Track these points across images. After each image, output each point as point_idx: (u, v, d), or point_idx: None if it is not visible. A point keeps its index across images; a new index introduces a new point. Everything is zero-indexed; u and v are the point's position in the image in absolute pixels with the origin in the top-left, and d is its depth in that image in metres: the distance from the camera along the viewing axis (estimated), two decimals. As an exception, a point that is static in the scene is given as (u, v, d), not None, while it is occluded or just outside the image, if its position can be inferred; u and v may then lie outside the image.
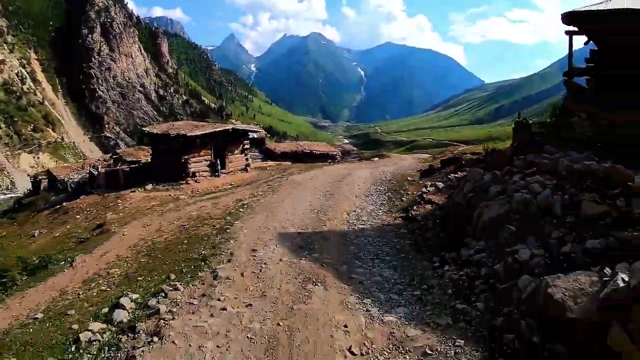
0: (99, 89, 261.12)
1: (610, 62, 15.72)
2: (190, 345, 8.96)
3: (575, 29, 17.07)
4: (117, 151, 75.96)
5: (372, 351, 8.39)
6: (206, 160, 33.34)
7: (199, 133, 31.91)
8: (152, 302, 11.55)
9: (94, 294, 13.67)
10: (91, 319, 11.38)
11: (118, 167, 41.56)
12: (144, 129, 46.27)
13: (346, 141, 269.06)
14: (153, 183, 30.50)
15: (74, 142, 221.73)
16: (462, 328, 8.65)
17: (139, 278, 14.26)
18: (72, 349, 10.02)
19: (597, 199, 9.45)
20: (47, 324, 11.66)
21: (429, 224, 16.14)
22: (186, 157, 31.53)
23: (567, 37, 18.47)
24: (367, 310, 9.82)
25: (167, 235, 19.52)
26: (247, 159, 38.06)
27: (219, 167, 34.81)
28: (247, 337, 9.08)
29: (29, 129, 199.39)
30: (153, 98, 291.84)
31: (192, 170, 31.44)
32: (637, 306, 5.98)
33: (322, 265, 12.84)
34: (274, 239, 16.06)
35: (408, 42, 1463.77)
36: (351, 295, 10.64)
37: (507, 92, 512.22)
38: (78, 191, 37.38)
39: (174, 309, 10.82)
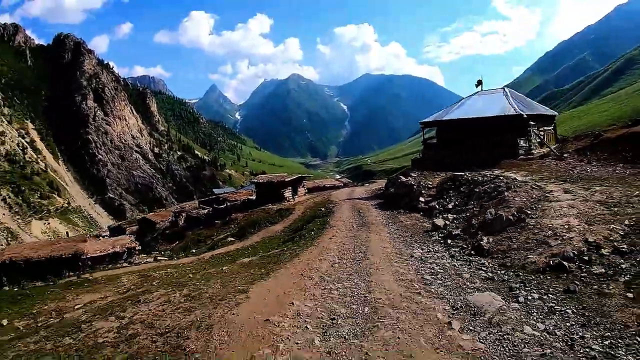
0: (97, 152, 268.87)
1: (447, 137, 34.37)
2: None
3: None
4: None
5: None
6: (288, 191, 46.52)
7: (288, 179, 48.83)
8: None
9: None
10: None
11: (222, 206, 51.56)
12: (253, 180, 59.01)
13: (338, 176, 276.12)
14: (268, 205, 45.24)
15: (79, 206, 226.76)
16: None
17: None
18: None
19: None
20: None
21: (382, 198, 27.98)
22: (282, 190, 46.20)
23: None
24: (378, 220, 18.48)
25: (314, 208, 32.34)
26: (305, 190, 53.74)
27: (294, 194, 49.64)
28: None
29: (36, 196, 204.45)
30: (150, 157, 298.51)
31: (286, 195, 46.16)
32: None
33: (359, 207, 24.85)
34: (345, 202, 30.14)
35: (386, 71, 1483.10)
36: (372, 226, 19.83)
37: None
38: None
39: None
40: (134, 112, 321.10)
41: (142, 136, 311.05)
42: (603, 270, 9.03)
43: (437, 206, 19.86)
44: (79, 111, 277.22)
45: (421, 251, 13.98)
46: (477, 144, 31.55)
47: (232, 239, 26.95)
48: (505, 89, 34.80)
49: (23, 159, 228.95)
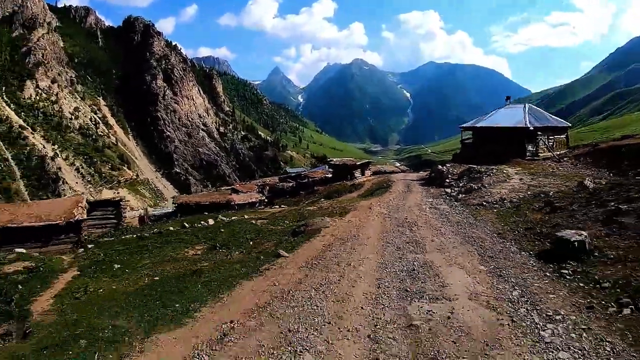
0: (166, 129, 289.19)
1: (479, 139, 42.54)
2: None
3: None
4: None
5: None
6: (358, 172, 59.49)
7: (358, 163, 61.55)
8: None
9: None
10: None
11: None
12: (332, 160, 72.02)
13: (397, 164, 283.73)
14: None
15: (147, 179, 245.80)
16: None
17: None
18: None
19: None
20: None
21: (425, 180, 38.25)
22: (353, 171, 58.49)
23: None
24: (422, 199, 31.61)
25: (378, 183, 42.63)
26: (370, 173, 64.92)
27: (362, 175, 61.90)
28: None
29: (107, 167, 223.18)
30: (215, 136, 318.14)
31: (356, 175, 57.81)
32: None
33: (408, 184, 36.10)
34: (400, 181, 41.06)
35: (451, 60, 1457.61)
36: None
37: (552, 101, 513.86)
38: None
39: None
40: (201, 92, 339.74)
41: (208, 115, 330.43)
42: (497, 206, 22.34)
43: (453, 184, 32.77)
44: (149, 90, 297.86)
45: (433, 200, 26.90)
46: (497, 146, 43.83)
47: (323, 199, 40.39)
48: (526, 105, 47.16)
49: (95, 132, 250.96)
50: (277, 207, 39.52)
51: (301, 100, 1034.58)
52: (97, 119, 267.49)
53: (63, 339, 10.92)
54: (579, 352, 8.11)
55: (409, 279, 12.28)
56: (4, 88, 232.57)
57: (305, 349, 9.07)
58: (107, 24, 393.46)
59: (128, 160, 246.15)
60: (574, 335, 8.66)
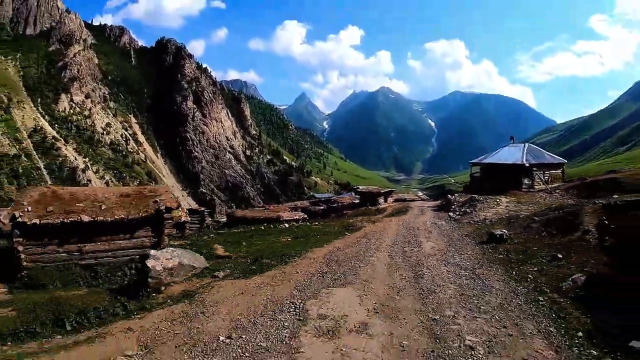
0: (194, 150, 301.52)
1: (485, 173, 51.53)
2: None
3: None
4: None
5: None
6: (382, 198, 66.77)
7: (382, 191, 69.21)
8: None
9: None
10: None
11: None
12: (358, 187, 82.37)
13: (420, 193, 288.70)
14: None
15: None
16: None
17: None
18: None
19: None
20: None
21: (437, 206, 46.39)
22: (377, 198, 65.53)
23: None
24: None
25: (398, 208, 51.01)
26: (392, 200, 73.33)
27: (385, 201, 70.16)
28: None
29: (136, 183, 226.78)
30: (241, 158, 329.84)
31: (380, 201, 64.81)
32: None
33: (422, 209, 44.34)
34: (416, 207, 47.21)
35: (476, 89, 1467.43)
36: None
37: (576, 132, 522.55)
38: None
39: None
40: (229, 115, 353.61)
41: (235, 138, 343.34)
42: (478, 223, 31.33)
43: (456, 209, 41.60)
44: (179, 111, 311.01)
45: (436, 220, 35.48)
46: (499, 179, 52.53)
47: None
48: (525, 144, 56.14)
49: (126, 149, 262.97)
50: (317, 224, 49.03)
51: (326, 126, 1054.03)
52: (128, 135, 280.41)
53: (261, 253, 23.46)
54: (466, 261, 19.47)
55: (407, 246, 22.96)
56: (39, 100, 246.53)
57: (363, 259, 20.27)
58: (140, 43, 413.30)
59: (156, 178, 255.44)
60: (469, 258, 19.92)
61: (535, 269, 16.48)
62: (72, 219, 20.96)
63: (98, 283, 19.77)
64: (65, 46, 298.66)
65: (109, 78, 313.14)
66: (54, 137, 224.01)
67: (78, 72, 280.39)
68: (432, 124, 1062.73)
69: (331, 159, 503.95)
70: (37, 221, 20.30)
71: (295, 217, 47.80)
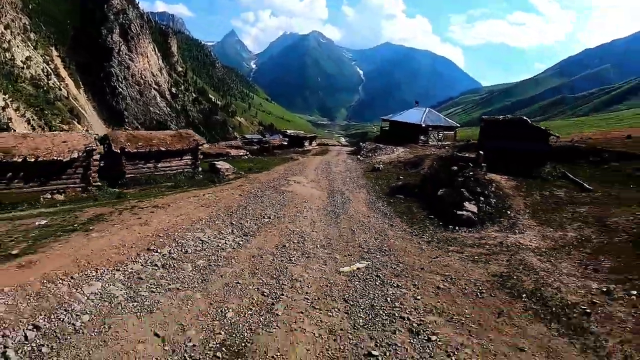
0: (119, 86, 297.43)
1: (392, 128, 69.84)
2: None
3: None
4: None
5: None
6: (307, 142, 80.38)
7: (308, 136, 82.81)
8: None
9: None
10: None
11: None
12: (287, 131, 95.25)
13: (343, 139, 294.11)
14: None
15: (97, 134, 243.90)
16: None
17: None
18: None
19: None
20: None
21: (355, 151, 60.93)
22: (303, 141, 78.80)
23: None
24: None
25: (320, 150, 64.63)
26: (316, 143, 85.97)
27: (308, 145, 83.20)
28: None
29: (58, 121, 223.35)
30: (167, 96, 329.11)
31: (305, 144, 78.31)
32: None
33: (338, 151, 58.27)
34: (334, 149, 61.76)
35: (407, 43, 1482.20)
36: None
37: (499, 96, 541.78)
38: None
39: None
40: (156, 50, 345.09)
41: (161, 75, 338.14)
42: (373, 162, 45.95)
43: (364, 153, 55.45)
44: (104, 44, 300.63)
45: (348, 159, 49.55)
46: (402, 134, 67.01)
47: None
48: (426, 108, 71.65)
49: (47, 84, 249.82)
50: (262, 158, 62.63)
51: (254, 66, 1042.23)
52: (49, 69, 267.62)
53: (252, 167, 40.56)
54: (354, 174, 37.10)
55: (325, 167, 38.90)
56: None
57: (303, 170, 38.80)
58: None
59: (78, 115, 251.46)
60: (356, 175, 33.39)
61: (385, 181, 32.44)
62: (155, 149, 35.59)
63: (170, 181, 34.94)
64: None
65: (30, 7, 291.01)
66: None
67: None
68: (361, 72, 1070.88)
69: (256, 99, 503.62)
70: (135, 150, 34.39)
71: (240, 154, 60.74)
